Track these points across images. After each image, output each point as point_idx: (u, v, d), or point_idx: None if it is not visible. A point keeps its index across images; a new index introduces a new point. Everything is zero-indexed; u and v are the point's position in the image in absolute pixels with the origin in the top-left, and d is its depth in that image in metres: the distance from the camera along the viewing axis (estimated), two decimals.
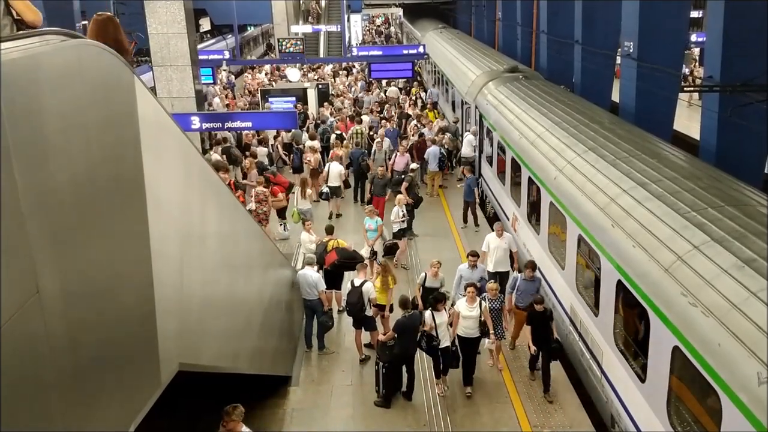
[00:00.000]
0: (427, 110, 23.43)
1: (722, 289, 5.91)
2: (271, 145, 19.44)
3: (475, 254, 10.38)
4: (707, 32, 14.45)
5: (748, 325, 5.41)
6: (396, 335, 8.81)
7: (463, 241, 14.41)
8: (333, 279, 11.13)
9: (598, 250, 8.38)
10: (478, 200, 15.47)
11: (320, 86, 25.60)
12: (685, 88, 17.46)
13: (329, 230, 11.68)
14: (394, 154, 16.51)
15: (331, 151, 17.72)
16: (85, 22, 30.92)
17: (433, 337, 8.82)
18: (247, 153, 17.30)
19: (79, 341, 2.96)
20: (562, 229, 9.98)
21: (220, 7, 34.52)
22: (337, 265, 10.93)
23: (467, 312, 9.06)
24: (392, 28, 67.29)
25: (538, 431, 8.35)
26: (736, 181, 8.19)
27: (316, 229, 12.64)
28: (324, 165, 17.04)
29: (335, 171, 15.97)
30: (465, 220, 15.35)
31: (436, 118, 22.31)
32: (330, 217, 15.75)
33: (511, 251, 11.28)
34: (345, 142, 18.37)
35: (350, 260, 10.78)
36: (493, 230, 11.62)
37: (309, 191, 14.62)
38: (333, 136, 18.86)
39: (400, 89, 29.18)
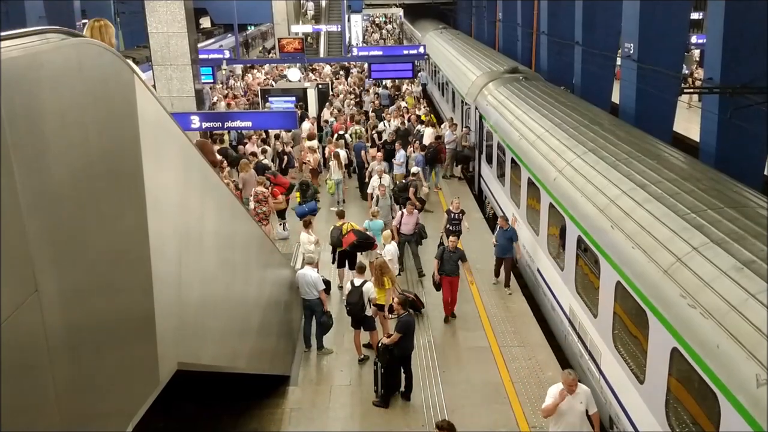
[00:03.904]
0: (423, 115, 23.09)
1: (721, 290, 5.91)
2: (274, 144, 19.48)
3: None
4: (707, 34, 14.47)
5: (747, 326, 5.41)
6: (400, 335, 8.79)
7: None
8: (349, 259, 11.84)
9: (597, 251, 8.38)
10: (519, 255, 12.20)
11: (320, 86, 25.60)
12: (685, 90, 17.47)
13: (341, 214, 12.35)
14: (400, 214, 12.97)
15: (327, 147, 18.15)
16: (86, 20, 30.96)
17: None
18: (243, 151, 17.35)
19: (78, 340, 2.96)
20: (562, 230, 9.98)
21: (220, 7, 34.57)
22: (356, 245, 11.54)
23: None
24: (390, 26, 67.47)
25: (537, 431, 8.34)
26: (736, 183, 8.20)
27: (315, 228, 12.66)
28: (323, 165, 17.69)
29: (342, 155, 17.19)
30: (497, 274, 12.36)
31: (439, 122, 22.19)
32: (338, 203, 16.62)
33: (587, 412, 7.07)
34: (337, 139, 18.68)
35: (367, 241, 11.60)
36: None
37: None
38: (336, 136, 19.05)
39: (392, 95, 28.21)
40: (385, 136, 19.62)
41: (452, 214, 12.87)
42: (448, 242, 11.07)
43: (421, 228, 12.75)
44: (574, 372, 7.14)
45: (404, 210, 12.79)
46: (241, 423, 8.60)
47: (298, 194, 14.68)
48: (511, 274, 12.21)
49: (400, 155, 17.10)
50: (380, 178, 14.75)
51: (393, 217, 13.39)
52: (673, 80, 14.84)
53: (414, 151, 17.48)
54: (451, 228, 12.70)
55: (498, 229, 12.13)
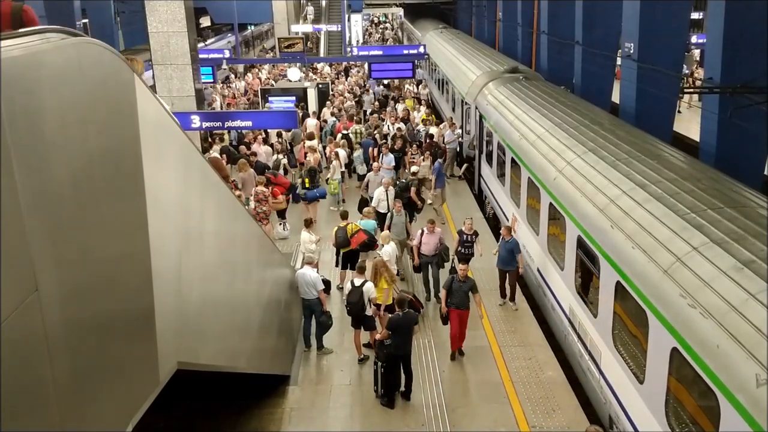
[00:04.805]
0: (425, 115, 22.69)
1: (721, 290, 5.91)
2: (274, 143, 19.49)
3: None
4: (707, 33, 14.48)
5: (747, 326, 5.41)
6: (390, 333, 8.80)
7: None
8: (352, 260, 11.74)
9: (597, 251, 8.38)
10: (521, 269, 11.31)
11: (320, 86, 25.60)
12: (685, 90, 17.49)
13: (345, 215, 12.29)
14: (419, 233, 11.67)
15: (328, 147, 18.18)
16: (86, 20, 30.99)
17: None
18: (247, 152, 17.34)
19: (78, 339, 2.96)
20: (562, 230, 9.98)
21: (220, 6, 34.56)
22: (366, 244, 11.63)
23: None
24: (388, 25, 67.48)
25: (537, 431, 8.35)
26: (736, 182, 8.20)
27: (315, 227, 12.66)
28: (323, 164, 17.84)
29: (342, 155, 17.51)
30: (503, 294, 11.61)
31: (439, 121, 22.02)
32: (339, 203, 16.61)
33: None
34: (340, 139, 18.77)
35: (374, 240, 11.78)
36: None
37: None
38: (339, 136, 19.04)
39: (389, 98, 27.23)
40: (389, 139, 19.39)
41: (464, 236, 11.67)
42: (458, 269, 10.09)
43: (444, 250, 11.53)
44: (602, 429, 6.57)
45: (425, 228, 11.55)
46: (241, 422, 8.60)
47: (306, 180, 15.26)
48: (517, 287, 11.55)
49: (389, 159, 16.50)
50: (386, 190, 13.72)
51: (408, 234, 12.56)
52: (673, 80, 14.85)
53: (424, 159, 16.46)
54: (462, 250, 11.62)
55: (500, 239, 11.41)
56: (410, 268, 12.51)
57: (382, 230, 12.19)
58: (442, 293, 10.04)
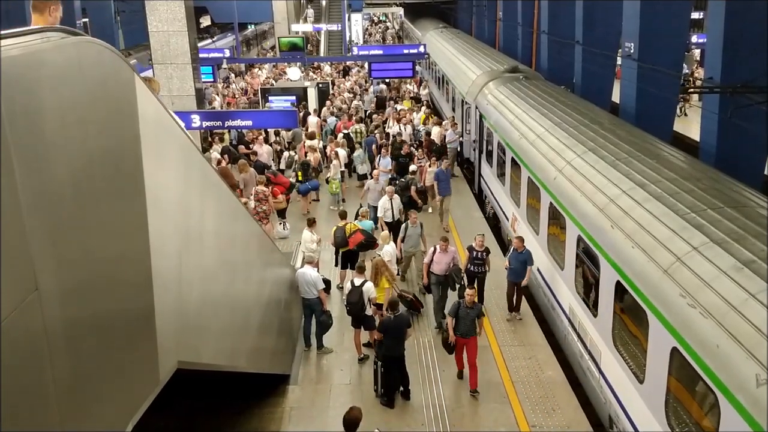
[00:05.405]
0: (424, 115, 22.23)
1: (721, 290, 5.91)
2: (273, 142, 19.50)
3: None
4: (708, 33, 14.49)
5: (747, 326, 5.41)
6: (382, 335, 8.80)
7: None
8: (351, 259, 11.88)
9: (597, 250, 8.38)
10: (525, 280, 10.75)
11: (320, 85, 25.60)
12: (689, 90, 17.51)
13: (343, 215, 12.38)
14: (432, 250, 10.85)
15: (329, 146, 18.21)
16: (86, 19, 31.00)
17: None
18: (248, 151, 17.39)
19: (78, 339, 2.96)
20: (562, 229, 9.98)
21: (220, 6, 34.59)
22: (363, 245, 11.67)
23: None
24: (389, 24, 67.52)
25: (537, 431, 8.35)
26: (736, 182, 8.20)
27: (316, 227, 12.65)
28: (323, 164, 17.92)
29: (342, 155, 17.61)
30: (511, 308, 11.06)
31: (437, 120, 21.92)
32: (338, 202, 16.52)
33: None
34: (340, 139, 18.85)
35: (372, 240, 11.84)
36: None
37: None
38: (340, 135, 19.10)
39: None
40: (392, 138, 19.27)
41: (475, 252, 10.90)
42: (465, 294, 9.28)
43: (456, 271, 10.61)
44: None
45: (437, 246, 10.73)
46: (241, 422, 8.60)
47: (299, 173, 15.65)
48: (523, 298, 11.19)
49: (386, 162, 16.26)
50: (390, 199, 13.22)
51: (423, 249, 11.90)
52: (674, 80, 14.85)
53: (430, 165, 15.70)
54: (472, 269, 10.89)
55: (512, 251, 10.74)
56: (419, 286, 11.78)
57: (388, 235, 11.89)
58: (448, 320, 9.23)
